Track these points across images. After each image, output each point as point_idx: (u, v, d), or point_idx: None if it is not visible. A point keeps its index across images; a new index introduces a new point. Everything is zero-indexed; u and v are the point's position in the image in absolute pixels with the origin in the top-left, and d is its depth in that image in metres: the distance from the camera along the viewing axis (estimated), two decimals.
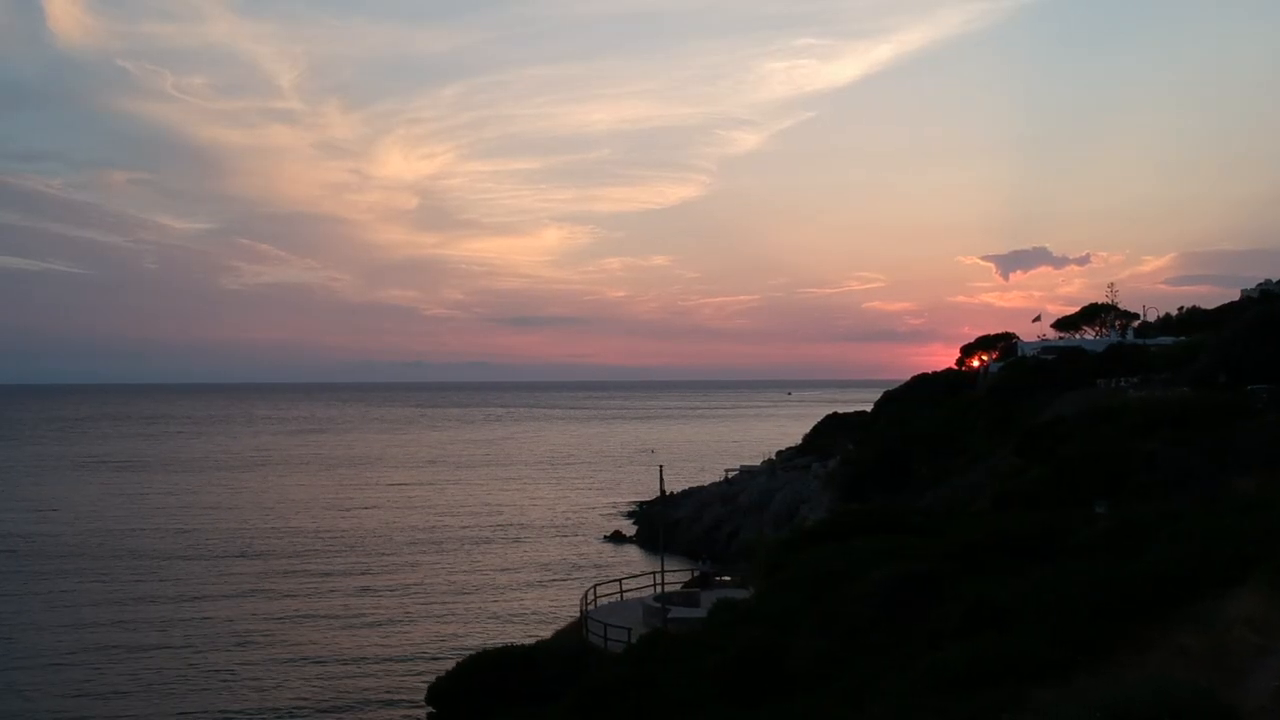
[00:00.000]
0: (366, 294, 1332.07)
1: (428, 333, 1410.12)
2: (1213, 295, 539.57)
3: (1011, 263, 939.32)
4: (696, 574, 36.96)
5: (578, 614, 50.97)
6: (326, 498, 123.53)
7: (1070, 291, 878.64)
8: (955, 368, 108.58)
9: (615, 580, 47.35)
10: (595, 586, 40.46)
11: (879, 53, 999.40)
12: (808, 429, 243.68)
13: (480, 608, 67.48)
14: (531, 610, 67.23)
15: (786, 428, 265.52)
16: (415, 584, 74.32)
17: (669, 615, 30.56)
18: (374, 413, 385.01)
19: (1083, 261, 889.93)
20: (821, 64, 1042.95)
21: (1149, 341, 73.95)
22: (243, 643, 57.21)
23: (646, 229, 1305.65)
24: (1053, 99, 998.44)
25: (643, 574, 55.45)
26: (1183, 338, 74.61)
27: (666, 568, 70.67)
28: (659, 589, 47.42)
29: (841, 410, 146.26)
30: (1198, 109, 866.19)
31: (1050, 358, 68.80)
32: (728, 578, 77.05)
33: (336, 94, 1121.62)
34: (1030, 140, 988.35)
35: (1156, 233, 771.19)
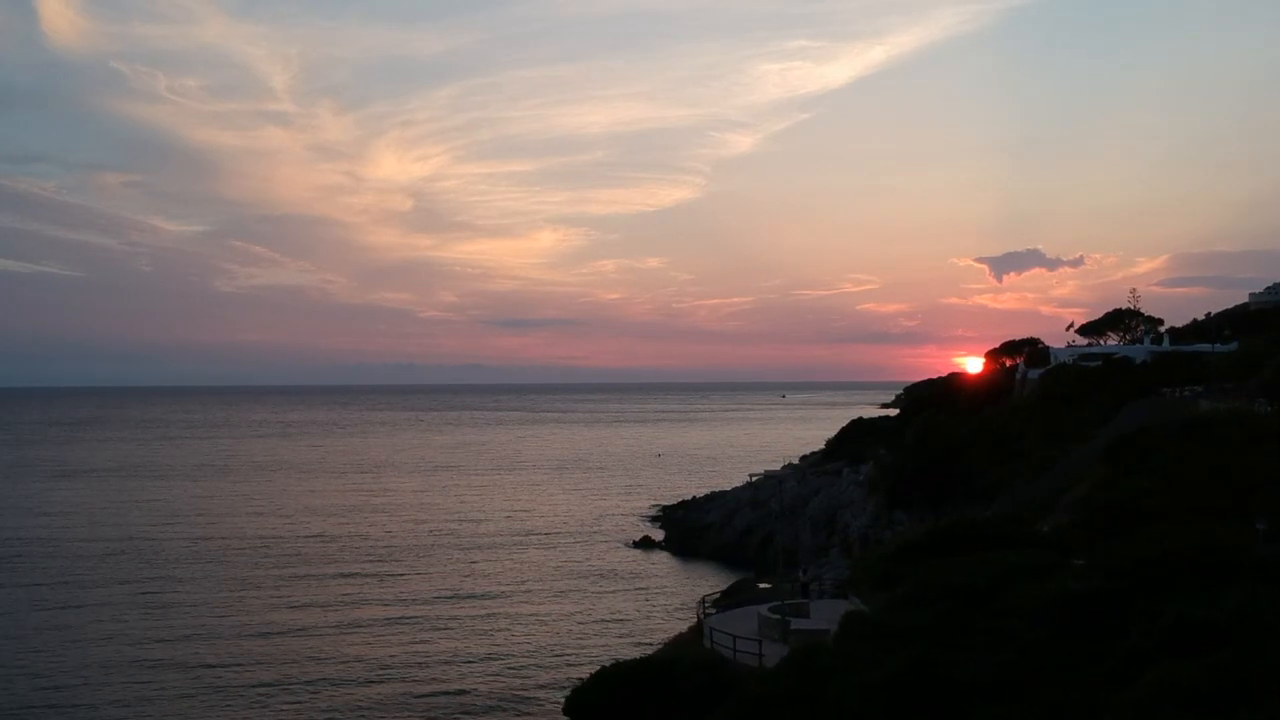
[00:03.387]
0: (360, 296, 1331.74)
1: (422, 335, 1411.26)
2: (1208, 296, 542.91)
3: (1005, 264, 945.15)
4: (799, 583, 37.01)
5: (689, 624, 51.73)
6: (345, 504, 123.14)
7: (1064, 293, 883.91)
8: (977, 373, 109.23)
9: (719, 591, 47.56)
10: (705, 597, 40.74)
11: (872, 55, 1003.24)
12: (814, 432, 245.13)
13: (537, 618, 67.45)
14: (593, 619, 67.12)
15: (793, 431, 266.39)
16: (461, 593, 74.14)
17: (790, 627, 30.92)
18: (373, 416, 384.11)
19: (1076, 263, 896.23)
20: (815, 66, 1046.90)
21: (1189, 348, 74.59)
22: (326, 657, 57.30)
23: (641, 231, 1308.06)
24: (1046, 101, 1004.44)
25: (733, 582, 55.11)
26: (1219, 345, 75.36)
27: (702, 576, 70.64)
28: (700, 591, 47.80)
29: (843, 413, 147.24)
30: (1192, 111, 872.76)
31: (1095, 365, 69.35)
32: (768, 585, 77.57)
33: (330, 96, 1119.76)
34: (1024, 142, 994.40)
35: (1150, 234, 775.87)
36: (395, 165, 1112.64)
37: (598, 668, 50.83)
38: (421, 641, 60.53)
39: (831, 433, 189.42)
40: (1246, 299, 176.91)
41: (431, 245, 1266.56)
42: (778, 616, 32.04)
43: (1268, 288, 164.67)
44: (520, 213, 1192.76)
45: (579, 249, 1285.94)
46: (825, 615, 33.55)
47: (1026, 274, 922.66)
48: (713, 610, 37.24)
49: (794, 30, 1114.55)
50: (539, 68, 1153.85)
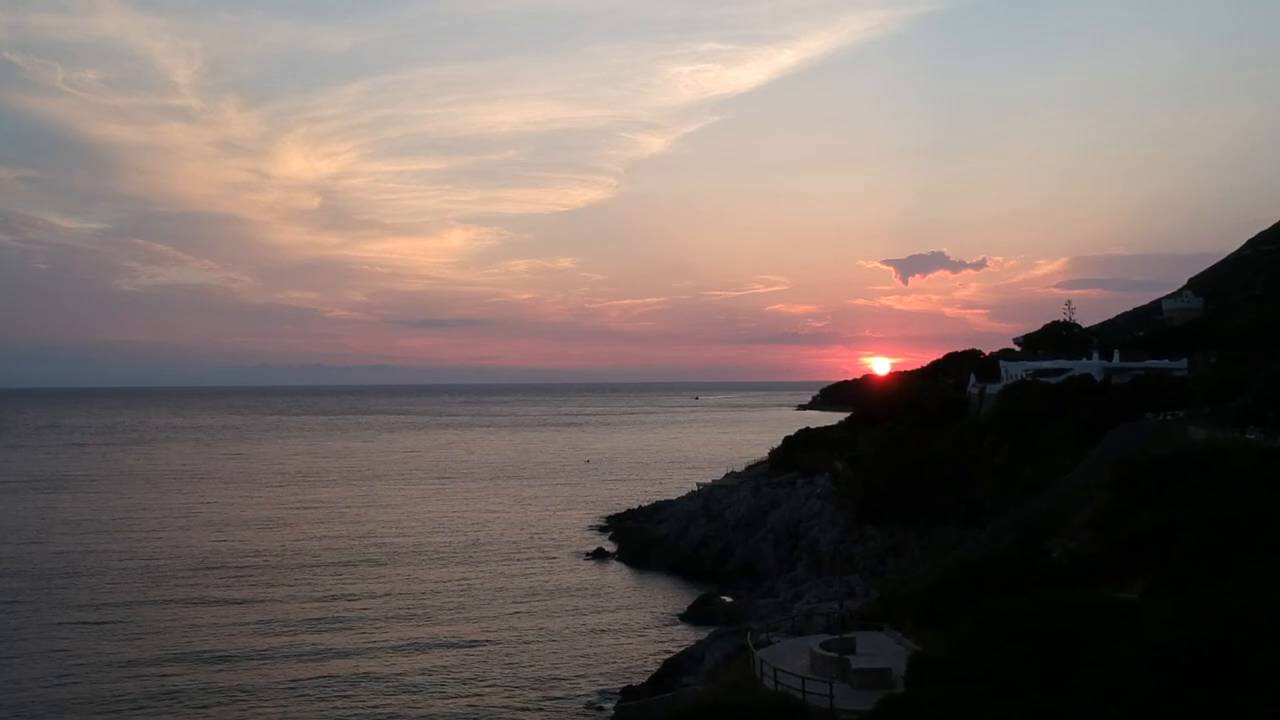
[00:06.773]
0: (266, 295, 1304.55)
1: (329, 335, 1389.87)
2: (1105, 299, 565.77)
3: (910, 267, 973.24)
4: (839, 616, 36.83)
5: (675, 649, 51.27)
6: (276, 518, 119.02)
7: (967, 295, 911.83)
8: (891, 376, 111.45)
9: (764, 623, 46.97)
10: (752, 631, 40.41)
11: (783, 58, 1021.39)
12: (740, 436, 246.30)
13: (520, 642, 65.61)
14: (576, 644, 65.35)
15: (717, 435, 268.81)
16: (423, 616, 71.58)
17: (851, 666, 31.00)
18: (285, 421, 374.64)
19: (979, 265, 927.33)
20: (726, 69, 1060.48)
21: (1139, 365, 77.05)
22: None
23: (553, 231, 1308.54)
24: (951, 107, 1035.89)
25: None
26: (1167, 360, 78.10)
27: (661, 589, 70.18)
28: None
29: (760, 415, 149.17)
30: (1091, 118, 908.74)
31: (1056, 381, 71.14)
32: (729, 598, 77.79)
33: (235, 91, 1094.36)
34: (929, 147, 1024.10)
35: (1050, 238, 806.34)
36: (302, 162, 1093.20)
37: (615, 701, 50.30)
38: (394, 677, 57.10)
39: (756, 436, 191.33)
40: (1147, 302, 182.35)
41: (339, 244, 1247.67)
42: (834, 654, 32.09)
43: (1171, 294, 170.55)
44: (430, 211, 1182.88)
45: (490, 249, 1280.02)
46: (873, 651, 33.75)
47: (931, 276, 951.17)
48: (765, 642, 36.85)
49: (705, 33, 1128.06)
50: (449, 66, 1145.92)
